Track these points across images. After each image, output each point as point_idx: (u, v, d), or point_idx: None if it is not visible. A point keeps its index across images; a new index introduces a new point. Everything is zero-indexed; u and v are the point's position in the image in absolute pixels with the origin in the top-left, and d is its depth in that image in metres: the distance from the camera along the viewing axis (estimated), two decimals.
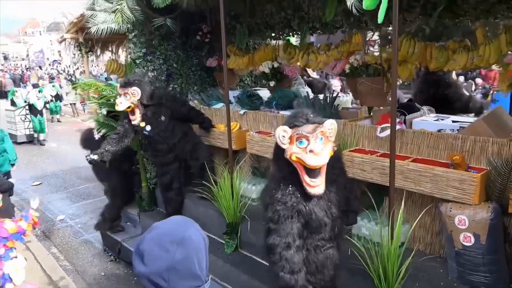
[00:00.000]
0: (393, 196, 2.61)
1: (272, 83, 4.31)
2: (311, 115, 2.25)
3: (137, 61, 4.82)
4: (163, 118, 4.16)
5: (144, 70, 4.85)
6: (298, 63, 4.39)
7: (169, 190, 4.53)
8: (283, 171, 2.32)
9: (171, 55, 5.07)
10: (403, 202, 2.65)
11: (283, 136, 2.20)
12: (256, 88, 5.53)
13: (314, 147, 2.12)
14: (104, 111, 4.89)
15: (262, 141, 4.07)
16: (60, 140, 12.01)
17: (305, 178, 2.19)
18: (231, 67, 5.09)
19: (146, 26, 4.75)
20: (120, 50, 6.07)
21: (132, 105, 4.08)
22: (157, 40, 4.90)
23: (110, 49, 5.96)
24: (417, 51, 3.30)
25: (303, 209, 2.25)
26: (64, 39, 5.32)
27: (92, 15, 4.49)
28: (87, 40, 5.19)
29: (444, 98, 3.76)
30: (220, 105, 4.91)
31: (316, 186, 2.20)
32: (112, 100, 4.67)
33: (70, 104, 16.14)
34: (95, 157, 4.07)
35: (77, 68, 26.21)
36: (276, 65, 4.24)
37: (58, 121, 15.50)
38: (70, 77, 22.58)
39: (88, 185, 7.54)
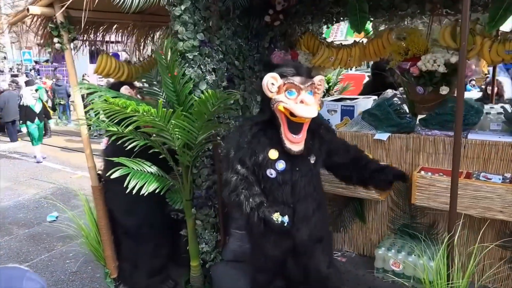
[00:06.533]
0: None
1: (444, 90, 2.67)
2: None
3: (189, 56, 2.75)
4: (313, 159, 2.25)
5: (201, 72, 2.80)
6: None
7: None
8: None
9: (231, 45, 3.07)
10: None
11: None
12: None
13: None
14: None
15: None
16: None
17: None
18: (323, 64, 3.31)
19: None
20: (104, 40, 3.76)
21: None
22: (215, 20, 2.87)
23: (94, 36, 3.62)
24: None
25: None
26: (25, 17, 2.90)
27: None
28: (68, 19, 2.90)
29: None
30: None
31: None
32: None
33: None
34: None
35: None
36: (455, 59, 2.61)
37: None
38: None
39: None
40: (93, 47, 3.93)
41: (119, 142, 2.67)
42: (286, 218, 2.05)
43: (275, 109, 2.11)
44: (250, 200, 2.07)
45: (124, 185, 2.54)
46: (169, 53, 2.72)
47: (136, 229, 3.33)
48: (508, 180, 2.41)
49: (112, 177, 2.58)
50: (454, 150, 2.04)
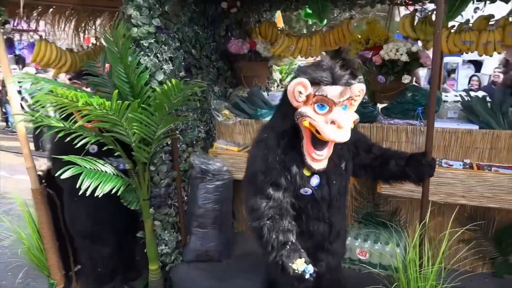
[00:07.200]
0: None
1: (406, 79, 2.70)
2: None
3: (144, 43, 2.52)
4: (343, 164, 2.00)
5: (157, 61, 2.58)
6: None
7: None
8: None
9: (187, 33, 2.88)
10: None
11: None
12: None
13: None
14: None
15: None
16: None
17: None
18: (283, 54, 3.23)
19: None
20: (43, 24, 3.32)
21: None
22: (172, 4, 2.66)
23: (27, 21, 3.18)
24: None
25: None
26: None
27: None
28: None
29: None
30: None
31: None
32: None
33: None
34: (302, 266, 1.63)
35: None
36: (416, 48, 2.63)
37: None
38: None
39: None
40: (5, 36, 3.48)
41: (68, 139, 2.38)
42: (310, 268, 1.61)
43: (299, 122, 1.78)
44: (273, 236, 1.71)
45: (77, 186, 2.27)
46: (121, 40, 2.48)
47: (75, 235, 3.05)
48: (468, 166, 2.50)
49: (62, 177, 2.30)
50: (426, 139, 2.07)
